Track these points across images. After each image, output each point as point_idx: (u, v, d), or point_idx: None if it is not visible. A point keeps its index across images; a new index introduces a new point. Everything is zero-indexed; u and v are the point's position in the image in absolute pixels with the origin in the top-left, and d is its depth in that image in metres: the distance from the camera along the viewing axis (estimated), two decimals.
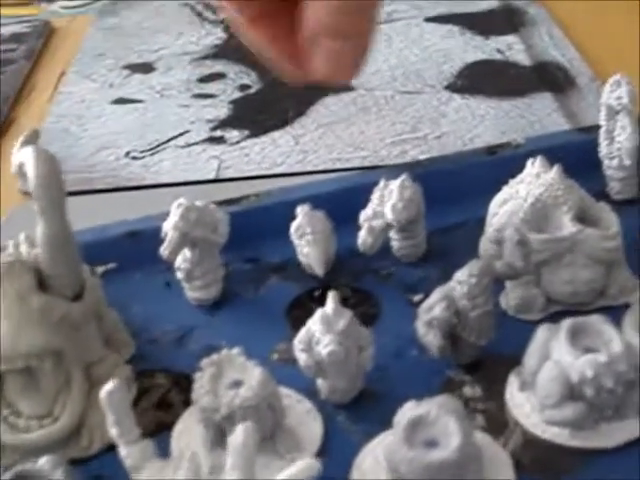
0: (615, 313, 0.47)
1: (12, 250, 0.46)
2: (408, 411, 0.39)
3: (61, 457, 0.41)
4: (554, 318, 0.47)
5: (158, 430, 0.44)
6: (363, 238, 0.51)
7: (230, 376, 0.42)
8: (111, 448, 0.42)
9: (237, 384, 0.41)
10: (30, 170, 0.41)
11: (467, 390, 0.45)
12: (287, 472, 0.32)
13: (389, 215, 0.50)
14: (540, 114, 0.69)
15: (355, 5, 0.42)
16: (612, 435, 0.42)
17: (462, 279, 0.45)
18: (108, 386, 0.36)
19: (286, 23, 0.43)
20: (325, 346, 0.43)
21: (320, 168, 0.65)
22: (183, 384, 0.46)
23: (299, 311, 0.51)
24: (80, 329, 0.45)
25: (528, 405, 0.43)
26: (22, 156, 0.42)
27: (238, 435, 0.34)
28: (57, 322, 0.43)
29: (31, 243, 0.45)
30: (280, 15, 0.45)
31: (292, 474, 0.32)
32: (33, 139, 0.42)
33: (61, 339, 0.43)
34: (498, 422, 0.44)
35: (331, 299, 0.44)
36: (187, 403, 0.44)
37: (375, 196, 0.51)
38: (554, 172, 0.50)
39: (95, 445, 0.44)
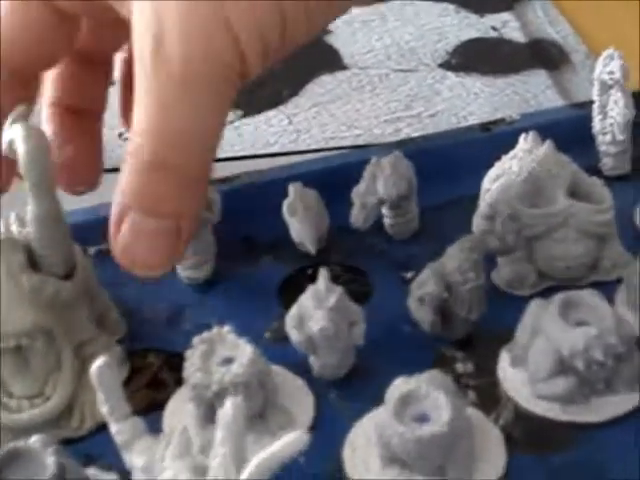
0: (608, 288, 0.47)
1: (2, 229, 0.46)
2: (398, 387, 0.40)
3: (53, 437, 0.41)
4: (546, 293, 0.46)
5: (150, 409, 0.44)
6: (355, 214, 0.51)
7: (221, 353, 0.42)
8: (102, 428, 0.42)
9: (228, 361, 0.41)
10: (20, 147, 0.41)
11: (459, 366, 0.45)
12: (275, 445, 0.32)
13: (381, 191, 0.50)
14: (534, 91, 0.69)
15: (178, 178, 0.40)
16: (603, 409, 0.42)
17: (453, 254, 0.45)
18: (98, 362, 0.36)
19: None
20: (316, 322, 0.43)
21: (314, 147, 0.64)
22: (175, 363, 0.46)
23: (291, 289, 0.50)
24: (71, 309, 0.45)
25: (520, 380, 0.43)
26: (12, 133, 0.41)
27: (227, 409, 0.34)
28: (48, 301, 0.43)
29: (22, 222, 0.45)
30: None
31: (280, 447, 0.32)
32: (23, 116, 0.42)
33: (52, 318, 0.43)
34: (490, 398, 0.44)
35: (322, 276, 0.44)
36: (179, 382, 0.44)
37: (367, 172, 0.51)
38: (546, 147, 0.50)
39: (86, 425, 0.44)
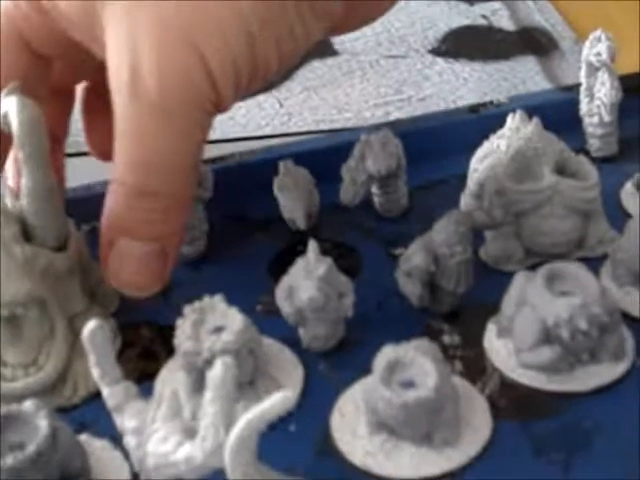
0: (593, 264, 0.48)
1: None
2: (386, 354, 0.40)
3: (47, 405, 0.41)
4: (533, 269, 0.47)
5: (142, 380, 0.45)
6: (344, 189, 0.51)
7: (212, 322, 0.42)
8: (95, 397, 0.43)
9: (219, 330, 0.42)
10: (13, 119, 0.42)
11: (446, 338, 0.46)
12: (262, 405, 0.32)
13: (370, 167, 0.51)
14: (523, 76, 0.70)
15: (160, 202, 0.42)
16: (588, 379, 0.43)
17: (441, 227, 0.45)
18: (90, 325, 0.36)
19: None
20: (305, 292, 0.43)
21: (304, 130, 0.65)
22: (167, 335, 0.47)
23: (282, 266, 0.50)
24: (64, 280, 0.45)
25: (505, 351, 0.44)
26: (5, 106, 0.42)
27: (217, 370, 0.34)
28: (41, 272, 0.44)
29: (15, 195, 0.46)
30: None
31: (267, 407, 0.32)
32: (17, 89, 0.43)
33: (45, 288, 0.44)
34: (476, 368, 0.44)
35: (311, 247, 0.44)
36: (170, 353, 0.45)
37: (357, 149, 0.52)
38: (533, 125, 0.51)
39: (79, 394, 0.45)
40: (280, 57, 0.42)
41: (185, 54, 0.40)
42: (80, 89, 0.53)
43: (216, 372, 0.34)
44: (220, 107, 0.42)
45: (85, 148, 0.55)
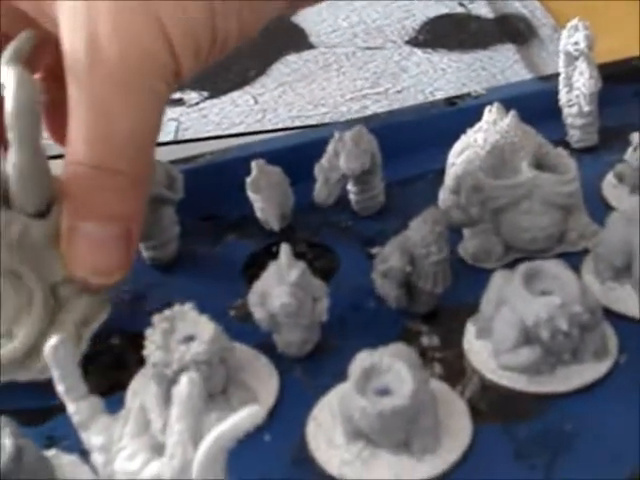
0: (574, 259, 0.47)
1: None
2: (361, 360, 0.39)
3: (19, 377, 0.41)
4: (513, 266, 0.46)
5: (113, 390, 0.44)
6: (318, 190, 0.50)
7: (182, 331, 0.41)
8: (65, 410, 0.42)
9: (189, 339, 0.41)
10: (9, 94, 0.40)
11: (424, 340, 0.45)
12: (231, 420, 0.31)
13: (343, 165, 0.50)
14: (502, 66, 0.68)
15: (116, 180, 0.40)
16: (569, 379, 0.42)
17: (416, 227, 0.44)
18: (52, 341, 0.35)
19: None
20: (278, 298, 0.42)
21: (279, 126, 0.64)
22: (138, 343, 0.46)
23: (256, 268, 0.49)
24: (42, 248, 0.43)
25: (485, 352, 0.43)
26: (4, 76, 0.40)
27: (182, 385, 0.33)
28: (16, 239, 0.41)
29: None
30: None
31: (236, 421, 0.31)
32: (21, 55, 0.41)
33: (19, 259, 0.42)
34: (456, 370, 0.43)
35: (284, 251, 0.43)
36: (142, 362, 0.44)
37: (330, 148, 0.50)
38: (510, 118, 0.49)
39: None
40: (240, 29, 0.41)
41: (145, 23, 0.38)
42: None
43: (182, 388, 0.33)
44: (179, 76, 0.40)
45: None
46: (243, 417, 0.31)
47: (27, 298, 0.43)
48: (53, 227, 0.43)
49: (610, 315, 0.44)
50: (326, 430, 0.40)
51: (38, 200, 0.42)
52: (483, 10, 0.76)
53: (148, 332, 0.41)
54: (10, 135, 0.41)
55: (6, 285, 0.42)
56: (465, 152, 0.50)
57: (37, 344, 0.43)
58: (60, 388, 0.36)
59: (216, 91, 0.69)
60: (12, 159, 0.41)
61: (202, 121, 0.66)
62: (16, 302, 0.43)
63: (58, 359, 0.36)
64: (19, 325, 0.43)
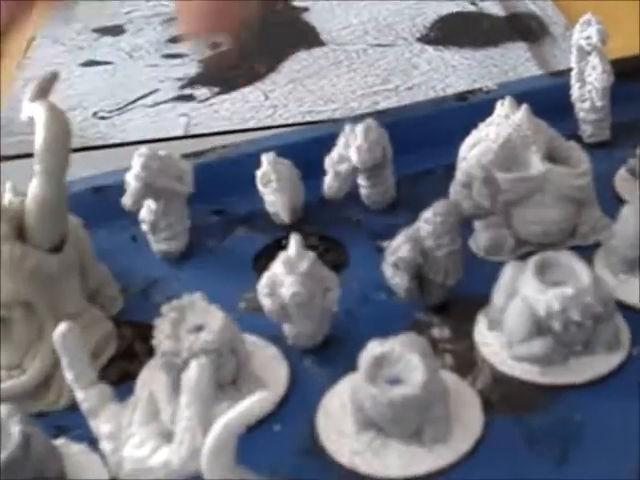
0: (586, 252, 0.47)
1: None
2: (372, 349, 0.39)
3: (29, 409, 0.41)
4: (524, 259, 0.46)
5: (123, 380, 0.44)
6: (329, 183, 0.50)
7: (192, 321, 0.41)
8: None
9: (199, 328, 0.41)
10: (39, 130, 0.40)
11: (435, 331, 0.45)
12: (240, 406, 0.31)
13: (354, 158, 0.49)
14: (513, 63, 0.68)
15: None
16: (581, 371, 0.41)
17: (428, 218, 0.44)
18: (60, 328, 0.35)
19: None
20: (288, 288, 0.42)
21: (290, 122, 0.64)
22: (148, 334, 0.45)
23: (266, 261, 0.49)
24: (56, 282, 0.43)
25: (497, 343, 0.43)
26: (33, 110, 0.40)
27: (191, 371, 0.33)
28: (29, 272, 0.42)
29: (16, 192, 0.44)
30: None
31: (245, 407, 0.31)
32: (47, 90, 0.41)
33: (32, 290, 0.42)
34: (467, 361, 0.43)
35: (294, 242, 0.43)
36: (151, 352, 0.44)
37: (340, 141, 0.50)
38: (522, 112, 0.49)
39: (63, 400, 0.43)
40: None
41: None
42: None
43: (191, 374, 0.33)
44: None
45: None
46: (252, 403, 0.31)
47: (38, 330, 0.43)
48: (66, 261, 0.43)
49: (623, 307, 0.44)
50: (336, 420, 0.40)
51: (55, 235, 0.43)
52: (494, 8, 0.76)
53: (157, 322, 0.41)
54: (37, 168, 0.41)
55: (19, 316, 0.42)
56: (477, 146, 0.50)
57: (48, 378, 0.43)
58: (69, 375, 0.36)
59: (226, 87, 0.69)
60: (35, 192, 0.42)
61: (213, 116, 0.65)
62: (27, 334, 0.43)
63: (67, 346, 0.35)
64: (29, 357, 0.43)
